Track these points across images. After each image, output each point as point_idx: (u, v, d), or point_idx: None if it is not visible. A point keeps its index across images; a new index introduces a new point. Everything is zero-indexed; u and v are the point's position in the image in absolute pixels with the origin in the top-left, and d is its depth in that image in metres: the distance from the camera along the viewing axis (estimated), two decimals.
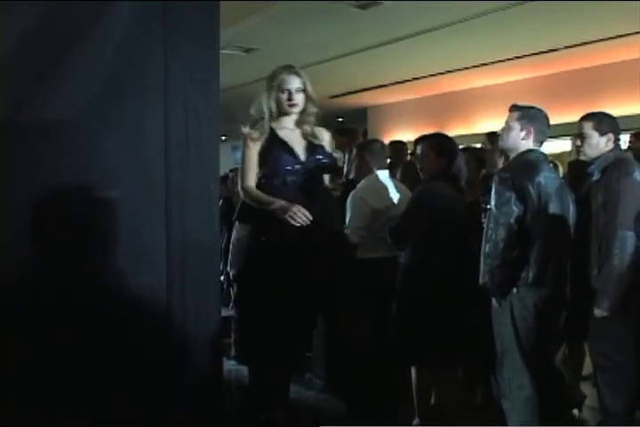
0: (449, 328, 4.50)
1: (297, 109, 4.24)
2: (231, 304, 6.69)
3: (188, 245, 3.36)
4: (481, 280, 4.14)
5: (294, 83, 4.20)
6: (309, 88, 4.22)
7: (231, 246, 6.44)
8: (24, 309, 3.05)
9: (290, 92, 4.18)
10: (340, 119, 13.13)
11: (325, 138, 4.39)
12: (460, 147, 5.19)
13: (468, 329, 4.56)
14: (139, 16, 3.32)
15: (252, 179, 4.32)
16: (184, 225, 3.40)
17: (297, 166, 4.21)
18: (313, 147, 4.28)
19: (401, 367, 4.86)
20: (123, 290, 3.25)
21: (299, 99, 4.21)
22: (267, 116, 4.22)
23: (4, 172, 3.06)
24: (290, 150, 4.22)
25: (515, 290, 4.06)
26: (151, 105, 3.35)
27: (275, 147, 4.22)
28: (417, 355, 4.65)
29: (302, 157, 4.23)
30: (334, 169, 4.58)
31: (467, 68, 10.07)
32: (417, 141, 4.95)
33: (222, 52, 3.64)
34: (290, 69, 4.23)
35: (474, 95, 11.34)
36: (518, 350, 4.11)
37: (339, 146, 6.36)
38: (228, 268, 6.57)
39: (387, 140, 9.92)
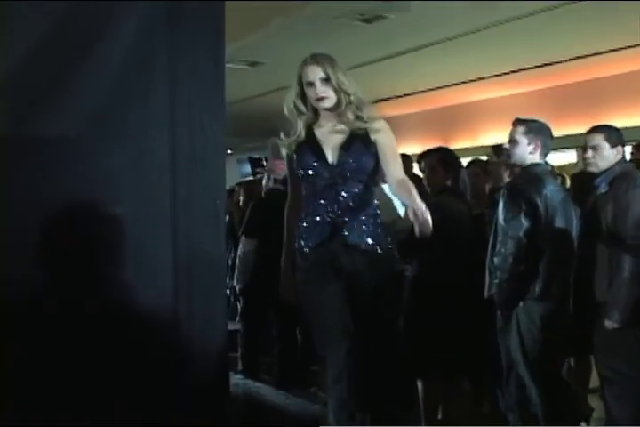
0: (455, 341, 4.49)
1: (328, 103, 3.54)
2: (237, 318, 6.70)
3: (195, 259, 3.38)
4: (487, 293, 4.15)
5: (316, 73, 3.52)
6: (337, 76, 3.51)
7: (237, 261, 6.44)
8: (30, 322, 3.07)
9: (313, 85, 3.52)
10: None
11: (374, 130, 3.58)
12: (468, 160, 5.20)
13: (474, 342, 4.55)
14: (143, 32, 3.35)
15: (292, 199, 3.76)
16: (190, 239, 3.41)
17: (322, 170, 3.55)
18: (349, 146, 3.55)
19: (409, 380, 4.85)
20: (129, 304, 3.26)
21: (326, 91, 3.51)
22: (295, 115, 3.63)
23: (8, 186, 3.08)
24: (318, 153, 3.57)
25: (521, 303, 4.07)
26: (157, 119, 3.38)
27: (302, 150, 3.60)
28: (425, 368, 4.65)
29: (332, 159, 3.55)
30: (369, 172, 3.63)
31: (470, 82, 10.09)
32: (423, 156, 4.98)
33: (227, 66, 3.63)
34: (310, 59, 3.56)
35: (477, 108, 11.35)
36: (524, 363, 4.12)
37: None
38: (234, 282, 6.58)
39: None
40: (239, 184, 8.11)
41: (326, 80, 3.51)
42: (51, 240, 3.16)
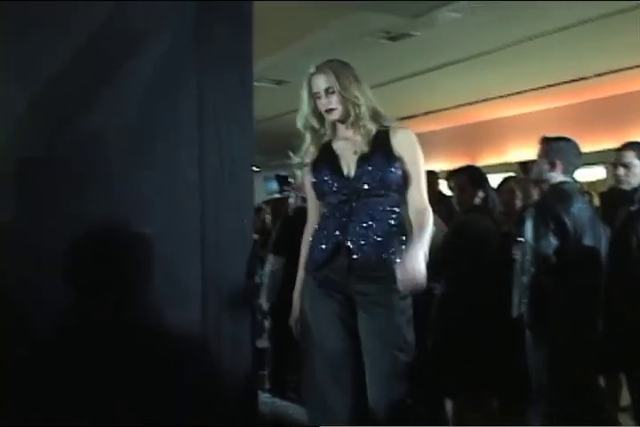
0: (484, 358, 4.47)
1: (336, 115, 3.27)
2: (264, 336, 6.68)
3: (223, 277, 3.37)
4: (515, 312, 4.13)
5: (321, 83, 3.27)
6: (343, 85, 3.23)
7: (265, 279, 6.43)
8: (59, 341, 3.08)
9: (320, 96, 3.28)
10: None
11: (397, 142, 3.25)
12: (495, 176, 5.19)
13: (503, 359, 4.53)
14: (171, 51, 3.36)
15: (309, 220, 3.50)
16: (219, 259, 3.41)
17: (337, 185, 3.27)
18: (368, 158, 3.22)
19: (438, 398, 4.83)
20: (158, 322, 3.27)
21: (331, 102, 3.26)
22: (308, 128, 3.38)
23: (38, 210, 3.10)
24: (334, 167, 3.30)
25: (550, 321, 4.04)
26: (185, 139, 3.38)
27: (318, 166, 3.34)
28: (453, 385, 4.63)
29: (348, 172, 3.26)
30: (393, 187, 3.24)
31: (497, 98, 10.07)
32: (452, 174, 4.99)
33: (254, 84, 3.63)
34: (315, 68, 3.32)
35: (505, 124, 11.32)
36: (554, 381, 4.08)
37: None
38: (262, 300, 6.56)
39: None
40: (266, 202, 8.12)
41: (332, 90, 3.25)
42: (80, 260, 3.17)
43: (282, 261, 6.18)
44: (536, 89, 9.54)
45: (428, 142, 12.86)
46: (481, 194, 4.76)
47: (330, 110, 3.26)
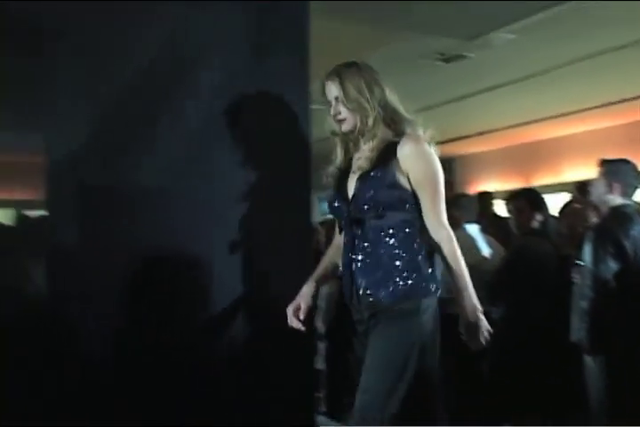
0: (542, 382, 4.45)
1: (346, 126, 2.95)
2: (320, 358, 6.68)
3: (279, 300, 3.39)
4: (574, 337, 4.09)
5: (329, 91, 2.97)
6: (349, 95, 2.90)
7: (320, 301, 6.42)
8: (114, 365, 3.16)
9: (332, 105, 2.97)
10: None
11: (403, 156, 2.84)
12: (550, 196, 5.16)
13: (562, 383, 4.49)
14: (229, 72, 3.42)
15: (335, 238, 3.22)
16: (275, 280, 3.44)
17: (340, 204, 2.97)
18: (368, 175, 2.88)
19: (496, 422, 4.80)
20: (212, 345, 3.30)
21: (342, 111, 2.94)
22: (334, 140, 3.09)
23: (91, 236, 3.16)
24: (341, 183, 2.99)
25: (610, 347, 4.00)
26: (239, 159, 3.43)
27: (332, 182, 3.06)
28: (511, 408, 4.60)
29: (351, 190, 2.93)
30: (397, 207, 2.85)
31: (551, 118, 10.00)
32: (510, 197, 4.96)
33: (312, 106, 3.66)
34: (326, 74, 3.00)
35: (560, 144, 11.22)
36: (613, 405, 4.04)
37: None
38: (317, 322, 6.56)
39: (472, 191, 9.90)
40: (321, 223, 8.10)
41: (340, 99, 2.94)
42: (133, 286, 3.23)
43: (337, 283, 6.18)
44: (590, 109, 9.46)
45: (482, 162, 12.86)
46: (539, 217, 4.76)
47: (339, 121, 2.97)
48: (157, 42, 3.33)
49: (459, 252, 2.83)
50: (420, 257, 2.83)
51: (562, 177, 10.80)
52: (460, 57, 6.93)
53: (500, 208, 6.46)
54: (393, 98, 2.96)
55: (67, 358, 3.08)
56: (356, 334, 2.97)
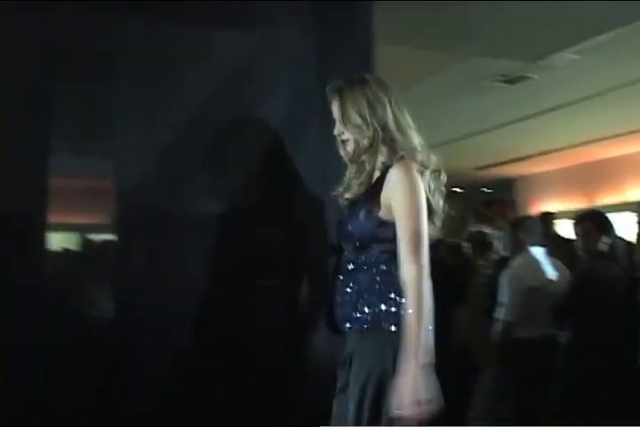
0: (610, 407, 4.40)
1: (349, 146, 2.73)
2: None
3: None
4: None
5: (333, 110, 2.77)
6: (347, 115, 2.69)
7: None
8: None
9: (336, 123, 2.77)
10: (487, 189, 13.01)
11: (387, 183, 2.59)
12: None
13: (630, 407, 4.45)
14: (298, 95, 3.46)
15: None
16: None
17: (338, 236, 2.78)
18: (357, 202, 2.70)
19: None
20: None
21: (344, 132, 2.73)
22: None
23: (162, 259, 3.21)
24: (349, 211, 2.74)
25: None
26: (309, 187, 3.44)
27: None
28: None
29: (343, 219, 2.74)
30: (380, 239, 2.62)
31: (614, 137, 9.91)
32: (577, 220, 4.93)
33: None
34: (329, 91, 2.78)
35: (623, 163, 11.11)
36: None
37: (486, 219, 6.31)
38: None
39: (534, 211, 9.82)
40: None
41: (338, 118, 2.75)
42: (206, 310, 3.26)
43: None
44: None
45: (544, 183, 12.74)
46: (606, 239, 4.70)
47: (343, 142, 2.76)
48: (226, 70, 3.38)
49: (425, 296, 2.46)
50: (391, 294, 2.56)
51: (625, 196, 10.69)
52: (523, 78, 6.92)
53: (563, 229, 6.42)
54: (401, 117, 2.71)
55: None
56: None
